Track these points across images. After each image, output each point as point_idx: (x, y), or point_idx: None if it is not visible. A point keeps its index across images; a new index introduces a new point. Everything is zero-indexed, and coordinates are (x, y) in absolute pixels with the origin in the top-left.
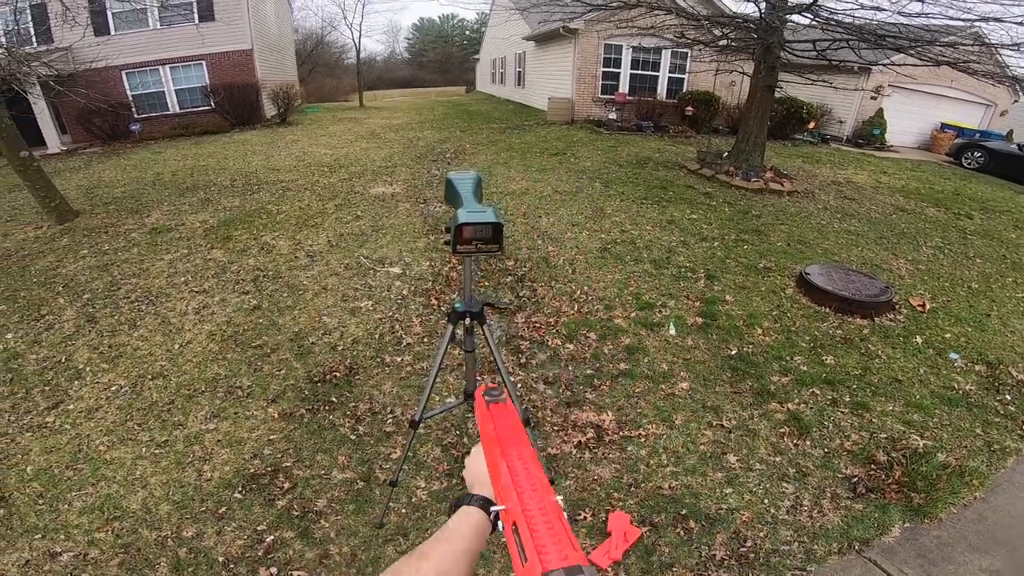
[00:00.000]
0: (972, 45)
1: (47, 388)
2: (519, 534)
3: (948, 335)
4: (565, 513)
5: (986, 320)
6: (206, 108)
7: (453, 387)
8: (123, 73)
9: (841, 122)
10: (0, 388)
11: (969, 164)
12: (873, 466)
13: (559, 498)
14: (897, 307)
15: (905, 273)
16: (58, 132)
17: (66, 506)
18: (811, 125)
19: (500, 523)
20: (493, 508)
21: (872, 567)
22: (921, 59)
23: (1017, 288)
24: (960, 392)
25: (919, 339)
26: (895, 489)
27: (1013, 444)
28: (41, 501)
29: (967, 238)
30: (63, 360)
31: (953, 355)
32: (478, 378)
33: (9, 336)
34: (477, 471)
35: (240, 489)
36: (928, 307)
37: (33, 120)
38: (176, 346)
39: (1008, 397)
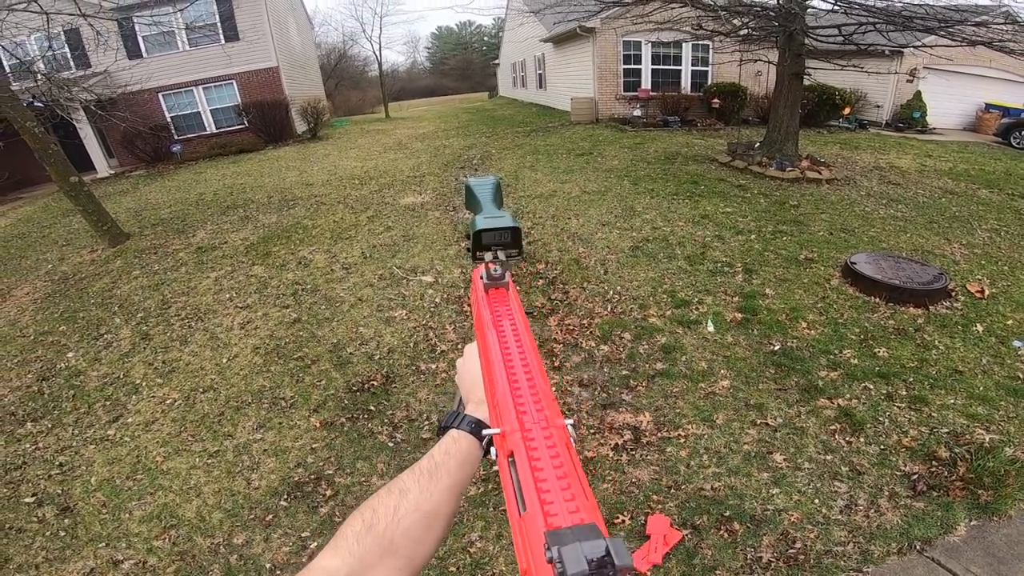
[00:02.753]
0: (1004, 24)
1: (108, 403)
2: (516, 470)
3: (1011, 322)
4: (575, 445)
5: None
6: (240, 127)
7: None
8: (159, 95)
9: (878, 107)
10: (64, 404)
11: (1019, 144)
12: (935, 463)
13: (569, 423)
14: (953, 294)
15: (960, 258)
16: (105, 156)
17: (127, 515)
18: (846, 111)
19: (494, 449)
20: (486, 432)
21: (936, 567)
22: (953, 40)
23: None
24: None
25: (979, 327)
26: (959, 486)
27: None
28: (104, 511)
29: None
30: (121, 376)
31: (1017, 343)
32: None
33: (71, 355)
34: (470, 378)
35: (286, 497)
36: (987, 293)
37: (81, 145)
38: (224, 360)
39: None
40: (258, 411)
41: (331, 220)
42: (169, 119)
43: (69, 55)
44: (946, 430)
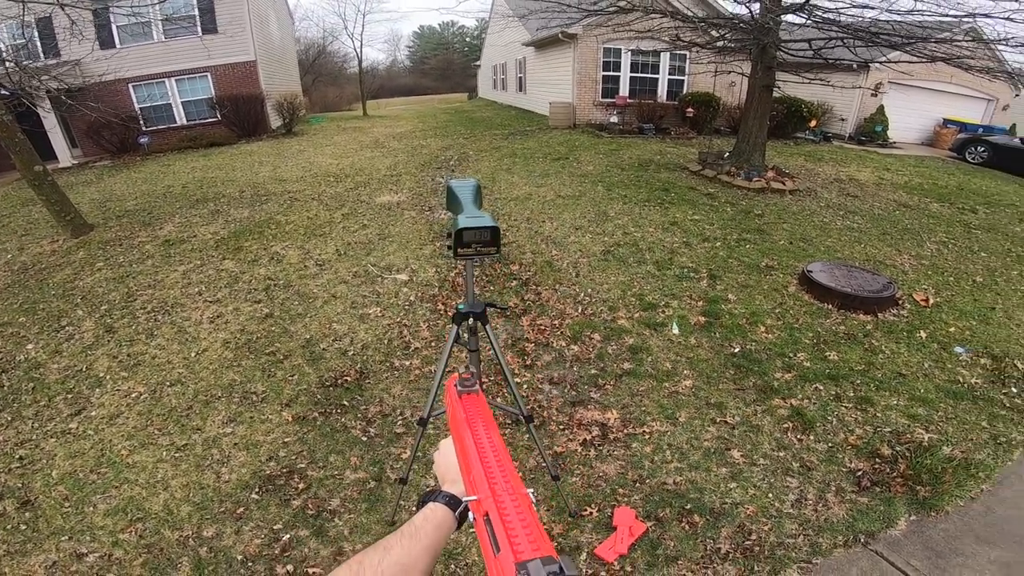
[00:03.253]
0: (968, 41)
1: (69, 396)
2: (491, 525)
3: (952, 329)
4: (535, 507)
5: (991, 313)
6: (213, 120)
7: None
8: (130, 86)
9: (843, 120)
10: (24, 396)
11: (973, 159)
12: (878, 460)
13: (530, 491)
14: (900, 302)
15: (909, 269)
16: (69, 146)
17: (91, 508)
18: (812, 124)
19: (471, 515)
20: (466, 499)
21: (879, 560)
22: (916, 56)
23: (1022, 281)
24: (965, 385)
25: (923, 334)
26: (900, 483)
27: (1019, 436)
28: (67, 504)
29: (971, 232)
30: (84, 369)
31: (958, 349)
32: (482, 378)
33: (30, 347)
34: (446, 465)
35: (257, 490)
36: (932, 302)
37: (44, 134)
38: (192, 354)
39: (1014, 390)
40: (228, 405)
41: (305, 216)
42: (138, 110)
43: (39, 44)
44: (889, 429)
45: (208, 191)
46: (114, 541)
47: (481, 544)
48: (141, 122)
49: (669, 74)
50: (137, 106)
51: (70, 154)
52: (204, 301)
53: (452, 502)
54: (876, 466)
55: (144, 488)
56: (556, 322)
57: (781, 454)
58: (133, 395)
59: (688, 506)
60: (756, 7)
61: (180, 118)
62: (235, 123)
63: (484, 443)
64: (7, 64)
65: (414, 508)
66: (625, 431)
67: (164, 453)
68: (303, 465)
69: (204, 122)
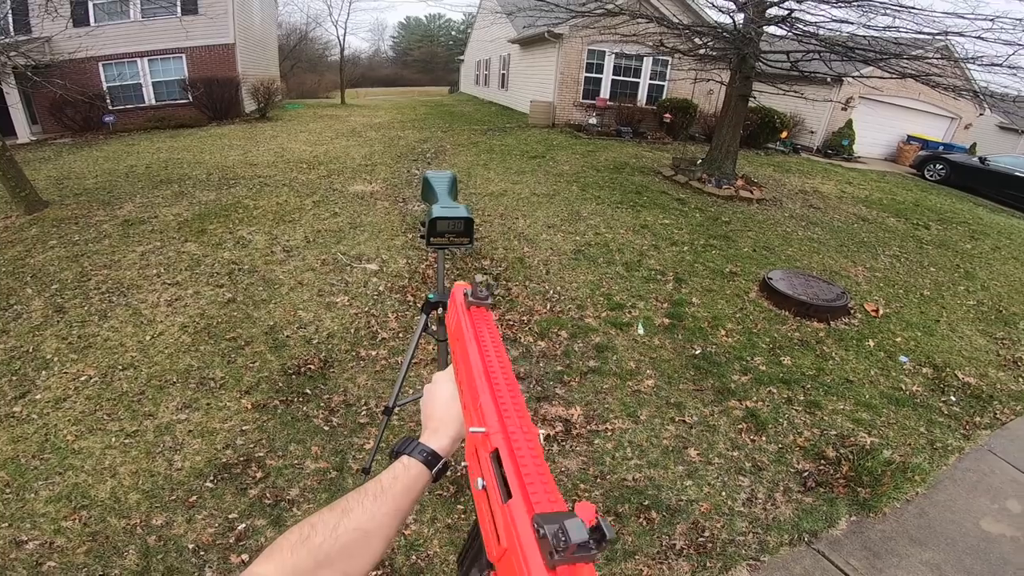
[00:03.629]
0: (939, 59)
1: (14, 378)
2: (501, 465)
3: (899, 339)
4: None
5: (936, 326)
6: (183, 101)
7: (426, 379)
8: (100, 65)
9: (812, 132)
10: None
11: (931, 176)
12: (823, 461)
13: (541, 432)
14: (852, 312)
15: (862, 280)
16: (29, 122)
17: (32, 495)
18: (783, 135)
19: (471, 467)
20: (473, 430)
21: (820, 558)
22: (888, 72)
23: (967, 296)
24: (907, 393)
25: (871, 343)
26: (843, 484)
27: (955, 443)
28: (7, 491)
29: (923, 248)
30: (30, 350)
31: (903, 358)
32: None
33: None
34: (434, 405)
35: (212, 478)
36: (881, 313)
37: (5, 110)
38: (147, 337)
39: (953, 398)
40: (184, 391)
41: (275, 202)
42: (106, 89)
43: (11, 20)
44: (835, 432)
45: (173, 172)
46: (56, 528)
47: (487, 486)
48: (108, 101)
49: (650, 79)
50: (105, 85)
51: (29, 130)
52: (163, 283)
53: (431, 459)
54: (821, 467)
55: (90, 475)
56: (525, 318)
57: (735, 454)
58: (82, 378)
59: (646, 502)
60: (740, 17)
61: (149, 98)
62: (207, 106)
63: (494, 364)
64: None
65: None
66: (588, 428)
67: (113, 439)
68: (262, 454)
69: (174, 103)
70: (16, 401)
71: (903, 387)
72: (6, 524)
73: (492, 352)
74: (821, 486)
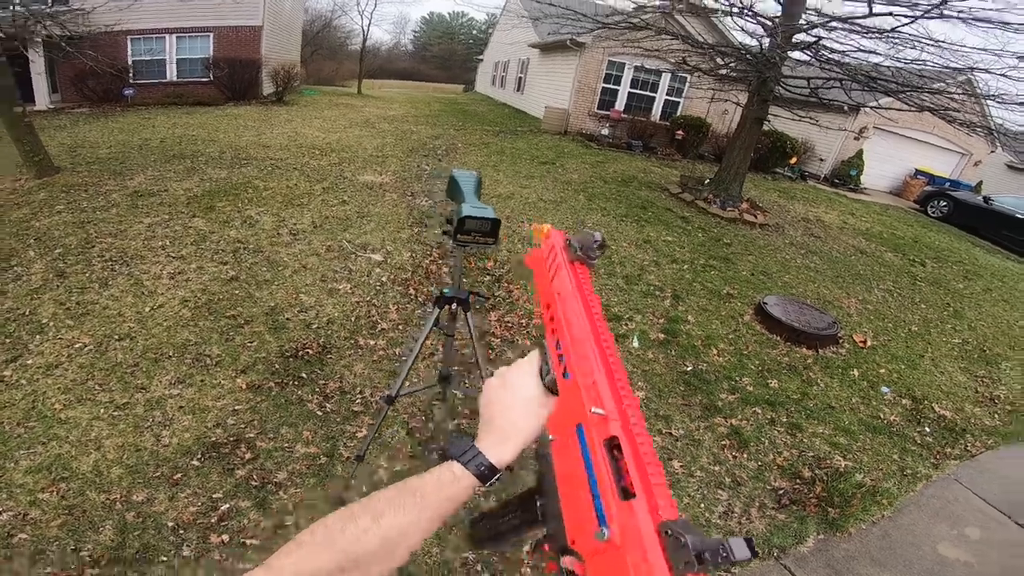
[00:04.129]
0: (960, 94)
1: (7, 340)
2: (617, 459)
3: (883, 371)
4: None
5: (919, 360)
6: (204, 80)
7: (423, 374)
8: (128, 39)
9: (822, 160)
10: None
11: (934, 213)
12: (798, 481)
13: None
14: (841, 341)
15: (854, 311)
16: (49, 90)
17: (12, 464)
18: (793, 160)
19: (584, 440)
20: (595, 411)
21: (786, 573)
22: (907, 104)
23: (954, 334)
24: (885, 421)
25: (856, 372)
26: (815, 503)
27: (924, 471)
28: None
29: (916, 284)
30: (27, 313)
31: (884, 389)
32: (453, 365)
33: None
34: (512, 406)
35: (199, 456)
36: (869, 344)
37: (27, 77)
38: (147, 309)
39: (927, 429)
40: (179, 366)
41: (285, 185)
42: (131, 63)
43: None
44: (812, 454)
45: (187, 148)
46: (32, 500)
47: (599, 481)
48: (130, 74)
49: (667, 94)
50: (131, 59)
51: (48, 99)
52: (167, 256)
53: (487, 473)
54: (796, 486)
55: (74, 446)
56: (523, 321)
57: (716, 468)
58: (76, 346)
59: None
60: (767, 42)
61: (171, 74)
62: (227, 85)
63: (607, 337)
64: (15, 7)
65: (364, 489)
66: None
67: (101, 410)
68: (252, 435)
69: (195, 81)
70: (6, 365)
71: (881, 416)
72: None
73: (600, 322)
74: (794, 504)
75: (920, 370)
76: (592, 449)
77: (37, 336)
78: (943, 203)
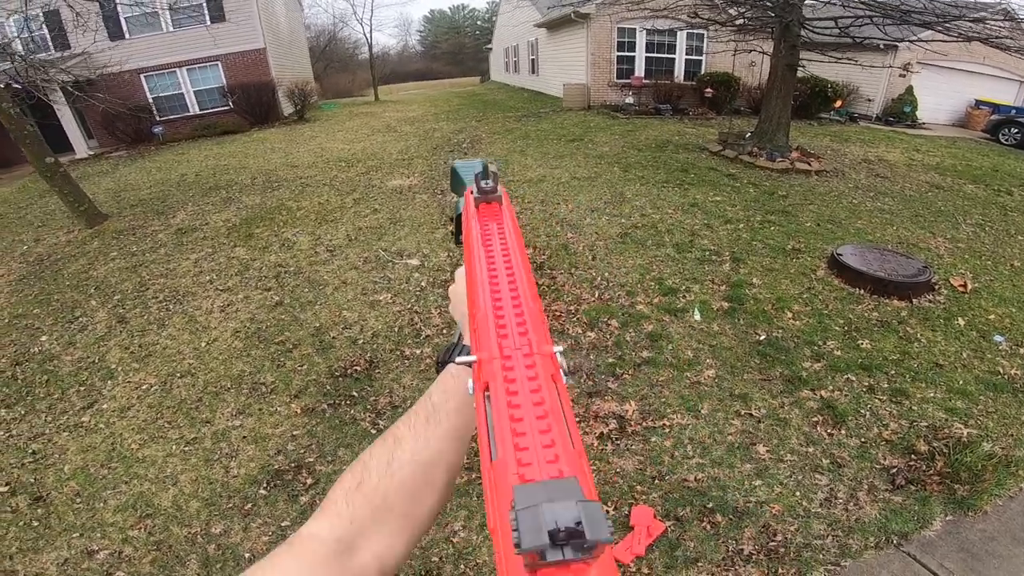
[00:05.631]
0: (1001, 20)
1: (82, 388)
2: (491, 407)
3: (992, 316)
4: (566, 377)
5: None
6: (225, 108)
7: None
8: (141, 76)
9: (870, 100)
10: (38, 389)
11: (1006, 140)
12: (913, 456)
13: (558, 350)
14: (937, 288)
15: (944, 252)
16: (85, 137)
17: (102, 504)
18: (837, 104)
19: (470, 381)
20: (460, 360)
21: (911, 562)
22: (949, 35)
23: None
24: (1006, 377)
25: (961, 321)
26: (937, 481)
27: None
28: (78, 500)
29: (1008, 215)
30: (96, 360)
31: (998, 337)
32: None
33: (44, 338)
34: (464, 306)
35: (265, 485)
36: (970, 287)
37: (59, 126)
38: (203, 344)
39: None
40: (237, 397)
41: (316, 202)
42: (151, 100)
43: (48, 36)
44: (925, 424)
45: (221, 179)
46: (124, 538)
47: (479, 434)
48: (154, 112)
49: (686, 54)
50: (150, 96)
51: (86, 145)
52: (215, 290)
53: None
54: (911, 463)
55: (153, 483)
56: (572, 308)
57: (810, 449)
58: (144, 387)
59: (710, 504)
60: None
61: (193, 107)
62: (247, 111)
63: (500, 271)
64: (16, 58)
65: None
66: (644, 424)
67: (173, 447)
68: (311, 459)
69: (217, 110)
70: (84, 411)
71: (1001, 370)
72: (77, 534)
73: (499, 255)
74: (912, 484)
75: None
76: (476, 403)
77: (108, 381)
78: (1015, 130)
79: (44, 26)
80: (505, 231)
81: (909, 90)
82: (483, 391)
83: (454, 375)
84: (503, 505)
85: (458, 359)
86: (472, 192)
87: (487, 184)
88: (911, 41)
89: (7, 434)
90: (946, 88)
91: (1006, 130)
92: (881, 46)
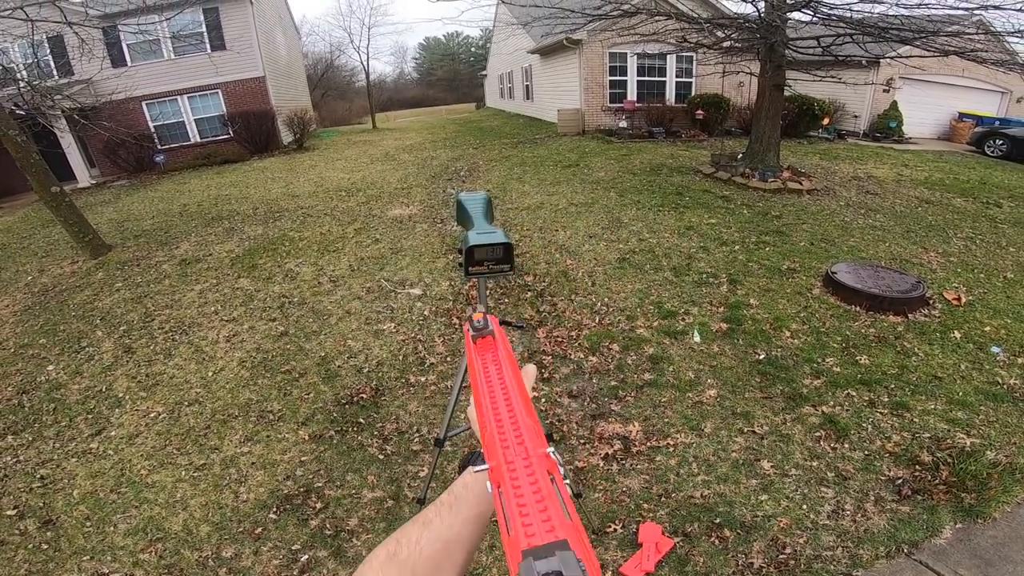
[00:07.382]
0: (976, 33)
1: (90, 416)
2: (503, 498)
3: (988, 328)
4: (561, 468)
5: None
6: (225, 137)
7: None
8: (143, 104)
9: (856, 116)
10: (45, 417)
11: (992, 152)
12: (918, 467)
13: (550, 450)
14: (931, 302)
15: (937, 267)
16: (87, 165)
17: (112, 528)
18: (825, 121)
19: (489, 485)
20: (476, 469)
21: (924, 569)
22: (927, 50)
23: None
24: (1006, 387)
25: (957, 334)
26: (943, 490)
27: None
28: (88, 524)
29: (998, 227)
30: (104, 389)
31: (995, 348)
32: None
33: (51, 368)
34: (474, 424)
35: (275, 510)
36: (964, 300)
37: (62, 155)
38: (209, 373)
39: None
40: (245, 424)
41: (318, 232)
42: (153, 128)
43: (52, 63)
44: (928, 435)
45: (223, 208)
46: (135, 561)
47: (499, 519)
48: (156, 140)
49: (677, 76)
50: (151, 124)
51: (88, 174)
52: (220, 320)
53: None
54: (916, 473)
55: (163, 508)
56: (573, 333)
57: (814, 464)
58: (152, 415)
59: (717, 520)
60: (762, 5)
61: (194, 135)
62: (247, 139)
63: (497, 395)
64: (20, 84)
65: None
66: (648, 444)
67: (183, 472)
68: (320, 484)
69: (217, 139)
70: (93, 438)
71: (999, 380)
72: (88, 557)
73: (496, 381)
74: (918, 493)
75: None
76: (495, 499)
77: (116, 409)
78: (1000, 141)
79: (49, 52)
80: (500, 358)
81: (894, 105)
82: (497, 488)
83: (474, 475)
84: (514, 562)
85: (474, 469)
86: (470, 330)
87: (479, 323)
88: (891, 57)
89: (14, 460)
90: (929, 102)
91: (991, 142)
92: (863, 62)
